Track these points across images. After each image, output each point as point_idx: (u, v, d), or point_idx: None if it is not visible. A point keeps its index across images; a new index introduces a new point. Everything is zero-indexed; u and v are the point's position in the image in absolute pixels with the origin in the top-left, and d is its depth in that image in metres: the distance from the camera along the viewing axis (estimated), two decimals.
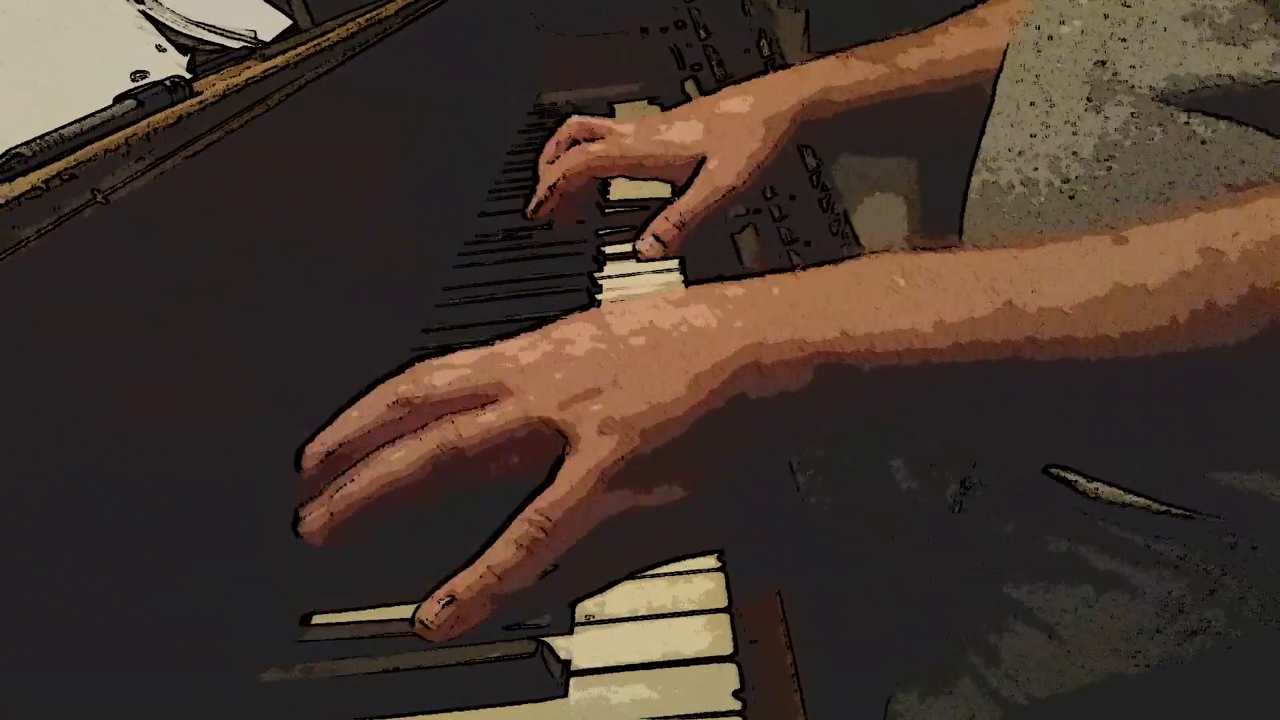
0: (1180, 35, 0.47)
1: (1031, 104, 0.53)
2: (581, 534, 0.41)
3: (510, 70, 1.25)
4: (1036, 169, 0.52)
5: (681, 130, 0.76)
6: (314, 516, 0.43)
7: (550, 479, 0.42)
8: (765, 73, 0.80)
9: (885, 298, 0.43)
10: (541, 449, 0.42)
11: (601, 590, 0.44)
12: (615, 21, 1.35)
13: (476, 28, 1.13)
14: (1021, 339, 0.41)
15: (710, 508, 0.44)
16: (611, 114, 1.23)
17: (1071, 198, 0.50)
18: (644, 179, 0.78)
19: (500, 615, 0.42)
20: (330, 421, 0.46)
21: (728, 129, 0.75)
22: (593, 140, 0.79)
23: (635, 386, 0.42)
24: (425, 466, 0.42)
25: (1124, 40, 0.49)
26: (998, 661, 0.53)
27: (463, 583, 0.41)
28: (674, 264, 0.76)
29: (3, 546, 0.33)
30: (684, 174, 0.75)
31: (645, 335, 0.44)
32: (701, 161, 0.74)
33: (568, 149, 0.80)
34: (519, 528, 0.41)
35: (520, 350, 0.45)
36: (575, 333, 0.45)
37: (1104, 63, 0.49)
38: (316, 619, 0.47)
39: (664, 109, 1.23)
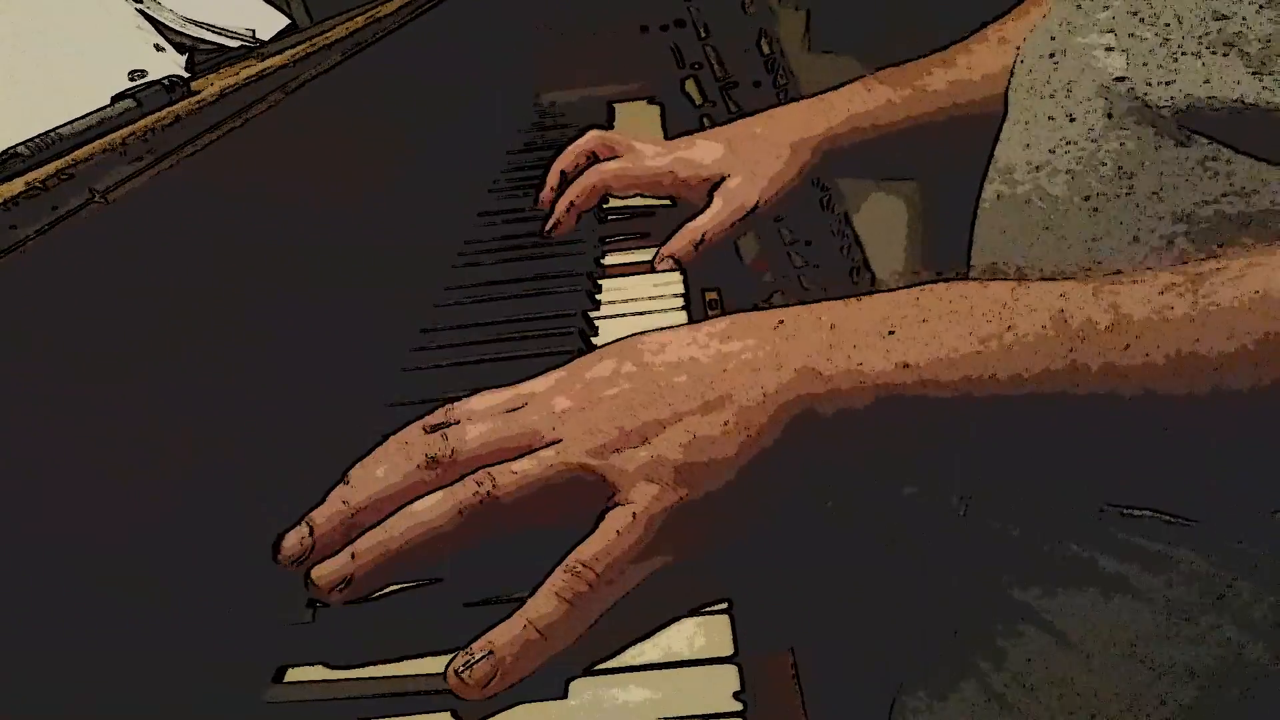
0: (1205, 59, 0.46)
1: (1050, 118, 0.52)
2: (628, 587, 0.39)
3: (510, 70, 1.25)
4: (1056, 184, 0.51)
5: (703, 149, 0.75)
6: (334, 568, 0.41)
7: (594, 528, 0.40)
8: (767, 72, 0.80)
9: (949, 328, 0.40)
10: (583, 497, 0.40)
11: (640, 641, 0.41)
12: (615, 21, 1.35)
13: (476, 28, 1.12)
14: (1096, 368, 0.39)
15: (757, 550, 0.42)
16: (611, 114, 1.23)
17: (1092, 214, 0.49)
18: (661, 197, 0.77)
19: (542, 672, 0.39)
20: (344, 475, 0.43)
21: (751, 149, 0.74)
22: (610, 154, 0.79)
23: (680, 428, 0.40)
24: (457, 517, 0.40)
25: (1145, 59, 0.48)
26: (1004, 665, 0.52)
27: (502, 636, 0.39)
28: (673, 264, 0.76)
29: (1, 546, 0.33)
30: (702, 193, 0.74)
31: (687, 372, 0.41)
32: (720, 180, 0.73)
33: (585, 161, 0.80)
34: (560, 579, 0.39)
35: (551, 392, 0.43)
36: (609, 370, 0.43)
37: (1124, 79, 0.49)
38: (291, 675, 0.44)
39: (664, 109, 1.23)
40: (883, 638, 0.59)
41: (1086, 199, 0.50)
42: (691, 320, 0.68)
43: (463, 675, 0.38)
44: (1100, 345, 0.39)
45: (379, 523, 0.42)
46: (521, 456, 0.41)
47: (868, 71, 0.77)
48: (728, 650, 0.41)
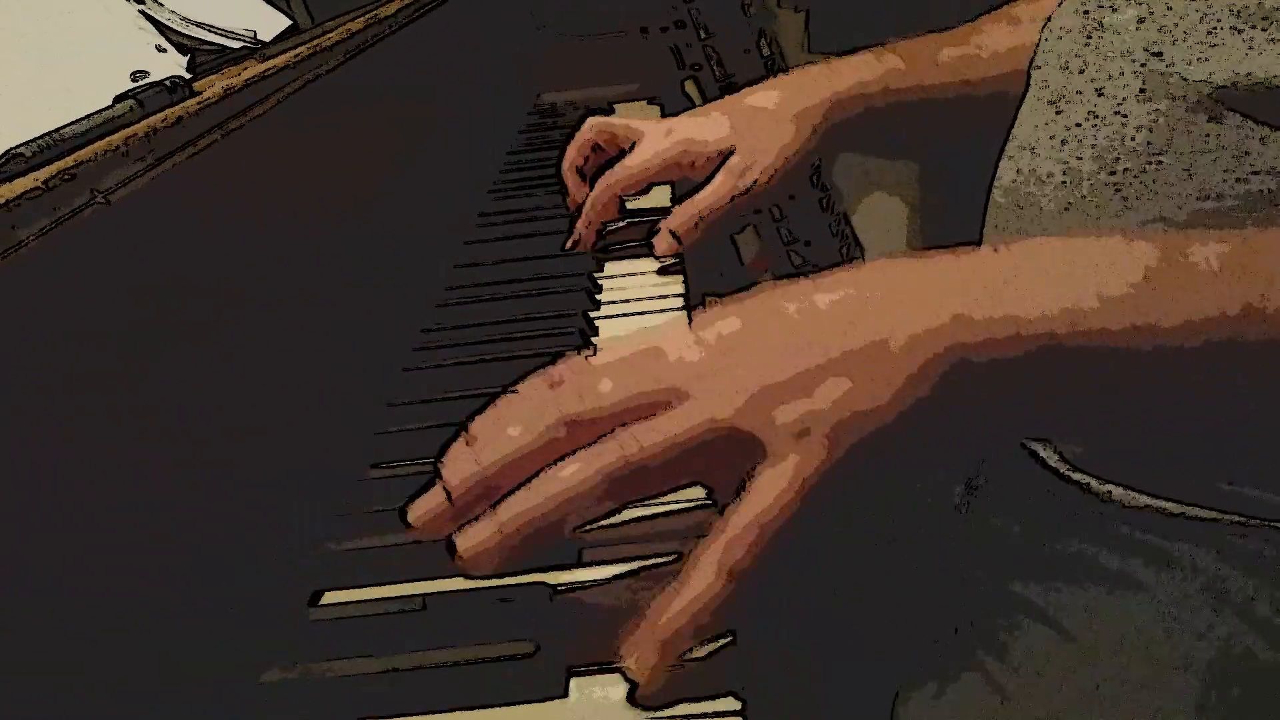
0: (1243, 33, 0.45)
1: (1078, 92, 0.51)
2: (776, 554, 0.37)
3: (510, 70, 1.25)
4: (1080, 159, 0.50)
5: (705, 126, 0.73)
6: (480, 537, 0.39)
7: (739, 490, 0.38)
8: (767, 73, 0.79)
9: (1113, 267, 0.38)
10: (730, 456, 0.38)
11: None
12: (615, 21, 1.35)
13: (476, 28, 1.12)
14: (1274, 310, 0.36)
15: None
16: (611, 114, 1.23)
17: (1118, 190, 0.48)
18: (671, 181, 0.75)
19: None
20: (462, 426, 0.41)
21: (754, 123, 0.72)
22: (611, 141, 0.77)
23: (831, 381, 0.38)
24: (603, 483, 0.38)
25: (1185, 34, 0.47)
26: (1006, 659, 0.52)
27: (661, 614, 0.37)
28: (675, 262, 0.75)
29: (2, 544, 0.33)
30: (707, 170, 0.72)
31: (826, 321, 0.39)
32: (725, 157, 0.72)
33: (590, 153, 0.78)
34: (720, 548, 0.37)
35: (682, 347, 0.40)
36: (738, 325, 0.40)
37: (1160, 55, 0.47)
38: (326, 597, 0.47)
39: (664, 109, 1.23)
40: (883, 636, 0.59)
41: (1113, 175, 0.48)
42: (691, 321, 0.68)
43: (628, 667, 0.37)
44: (1266, 280, 0.37)
45: (517, 487, 0.39)
46: (659, 416, 0.39)
47: None
48: None
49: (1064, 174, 0.51)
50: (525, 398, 0.41)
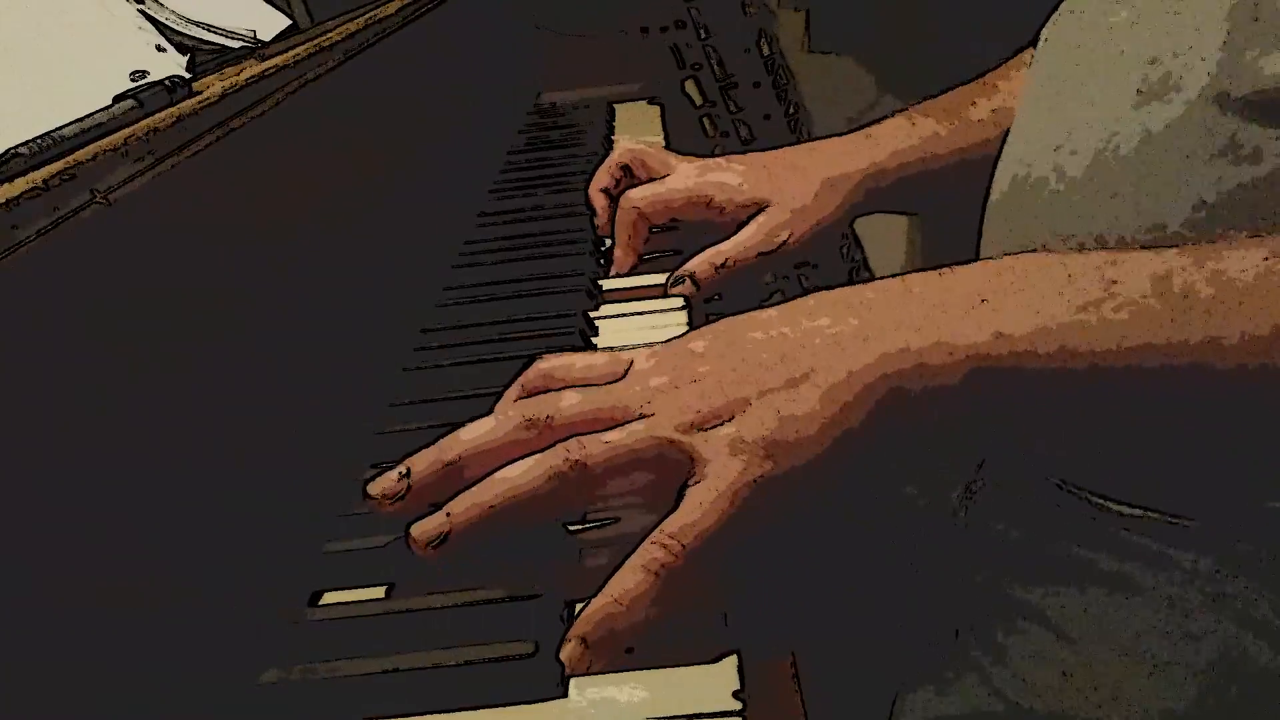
0: (1240, 38, 0.45)
1: (1072, 97, 0.51)
2: (713, 562, 0.40)
3: (510, 70, 1.25)
4: (1073, 164, 0.50)
5: (740, 175, 0.71)
6: (431, 526, 0.42)
7: (676, 504, 0.40)
8: (766, 73, 0.78)
9: (1046, 295, 0.40)
10: (668, 471, 0.41)
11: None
12: (615, 21, 1.35)
13: (476, 28, 1.13)
14: (1197, 340, 0.38)
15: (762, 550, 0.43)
16: (611, 114, 1.23)
17: (1110, 197, 0.48)
18: (694, 220, 0.73)
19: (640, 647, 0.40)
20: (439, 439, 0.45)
21: (790, 181, 0.70)
22: (643, 168, 0.75)
23: (766, 405, 0.40)
24: (550, 481, 0.41)
25: (1180, 38, 0.47)
26: (1005, 661, 0.52)
27: (588, 618, 0.40)
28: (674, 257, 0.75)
29: (2, 544, 0.33)
30: (734, 220, 0.71)
31: (774, 349, 0.42)
32: (757, 210, 0.70)
33: (621, 175, 0.76)
34: (647, 552, 0.39)
35: (648, 370, 0.44)
36: (702, 348, 0.44)
37: (1156, 60, 0.47)
38: (326, 598, 0.47)
39: (664, 109, 1.23)
40: (880, 636, 0.59)
41: (1106, 181, 0.48)
42: (691, 320, 0.68)
43: (562, 654, 0.40)
44: (1202, 314, 0.38)
45: (474, 481, 0.43)
46: (613, 428, 0.42)
47: (866, 72, 0.76)
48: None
49: (1057, 180, 0.50)
50: (504, 404, 0.45)
